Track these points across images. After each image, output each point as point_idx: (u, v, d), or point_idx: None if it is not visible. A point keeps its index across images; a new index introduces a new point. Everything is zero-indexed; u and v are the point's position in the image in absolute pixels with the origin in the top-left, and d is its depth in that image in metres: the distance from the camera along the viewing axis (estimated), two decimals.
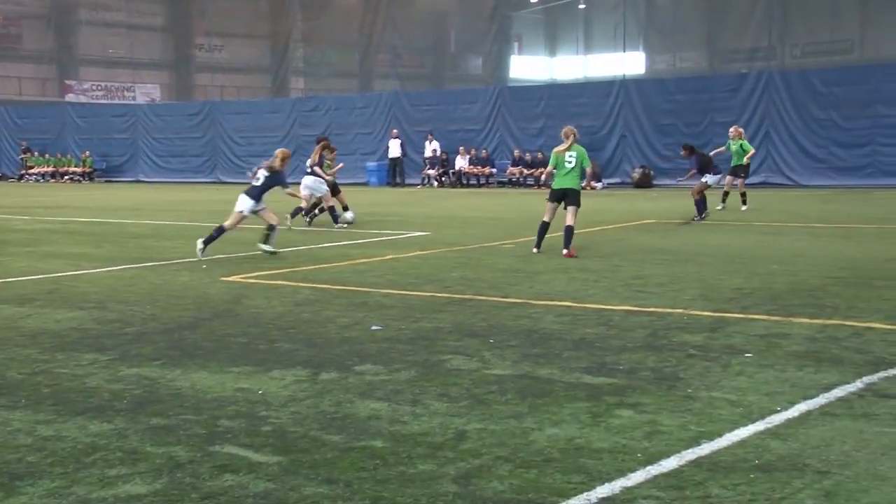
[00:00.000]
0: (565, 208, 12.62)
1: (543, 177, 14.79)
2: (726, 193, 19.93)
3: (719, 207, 19.46)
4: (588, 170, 13.19)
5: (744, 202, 19.63)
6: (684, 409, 5.41)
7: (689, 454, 4.67)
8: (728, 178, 19.67)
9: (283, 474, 4.50)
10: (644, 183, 29.59)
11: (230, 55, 51.65)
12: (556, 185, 12.80)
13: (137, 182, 40.78)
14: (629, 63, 37.96)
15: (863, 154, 27.24)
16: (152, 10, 53.42)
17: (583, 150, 12.97)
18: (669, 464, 4.54)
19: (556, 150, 13.01)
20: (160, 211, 22.49)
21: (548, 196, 13.06)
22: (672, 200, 23.43)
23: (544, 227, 12.80)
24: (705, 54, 42.76)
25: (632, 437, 4.95)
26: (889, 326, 7.56)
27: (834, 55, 33.24)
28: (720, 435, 4.95)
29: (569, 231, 12.43)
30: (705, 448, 4.75)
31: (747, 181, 20.38)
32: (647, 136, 30.66)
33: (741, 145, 19.95)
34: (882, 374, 6.10)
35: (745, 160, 19.84)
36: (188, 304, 9.13)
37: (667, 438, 4.91)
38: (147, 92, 52.47)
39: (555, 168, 12.88)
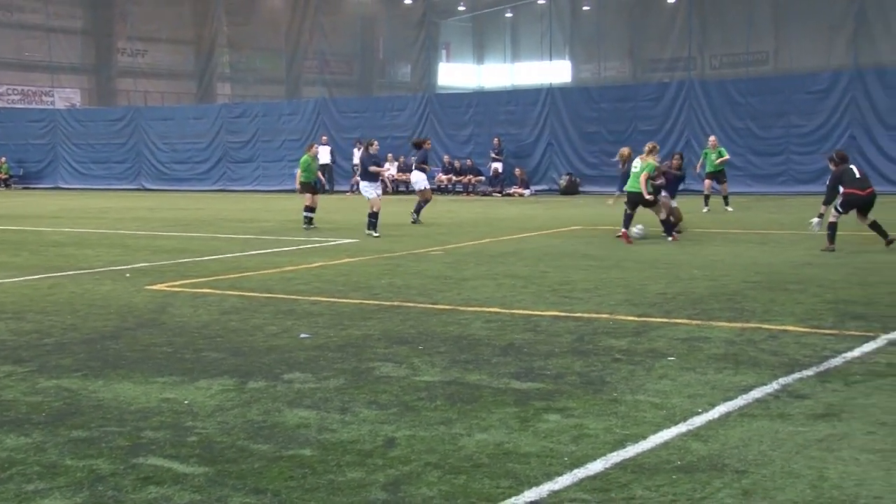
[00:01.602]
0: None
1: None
2: (707, 196, 21.80)
3: (704, 210, 21.02)
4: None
5: (727, 203, 21.70)
6: (610, 413, 5.51)
7: (615, 457, 4.76)
8: (707, 182, 21.96)
9: (209, 485, 4.45)
10: (571, 190, 29.97)
11: (154, 60, 50.73)
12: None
13: (57, 189, 39.78)
14: (555, 71, 38.43)
15: (778, 162, 28.03)
16: (71, 12, 52.16)
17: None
18: (595, 467, 4.63)
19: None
20: (81, 218, 21.99)
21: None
22: (598, 207, 23.79)
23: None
24: (629, 64, 43.52)
25: (559, 441, 5.02)
26: (802, 329, 7.81)
27: (750, 66, 34.11)
28: (644, 437, 5.05)
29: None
30: (630, 450, 4.85)
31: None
32: (573, 143, 31.08)
33: (720, 152, 22.02)
34: (796, 375, 6.30)
35: (720, 162, 21.85)
36: (111, 314, 8.96)
37: (593, 442, 5.00)
38: (66, 97, 51.21)
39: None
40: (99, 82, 54.55)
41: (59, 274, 11.87)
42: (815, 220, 13.44)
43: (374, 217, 16.29)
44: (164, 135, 38.95)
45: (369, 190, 16.86)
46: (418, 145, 20.55)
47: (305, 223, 18.09)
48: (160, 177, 38.70)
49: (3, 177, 40.65)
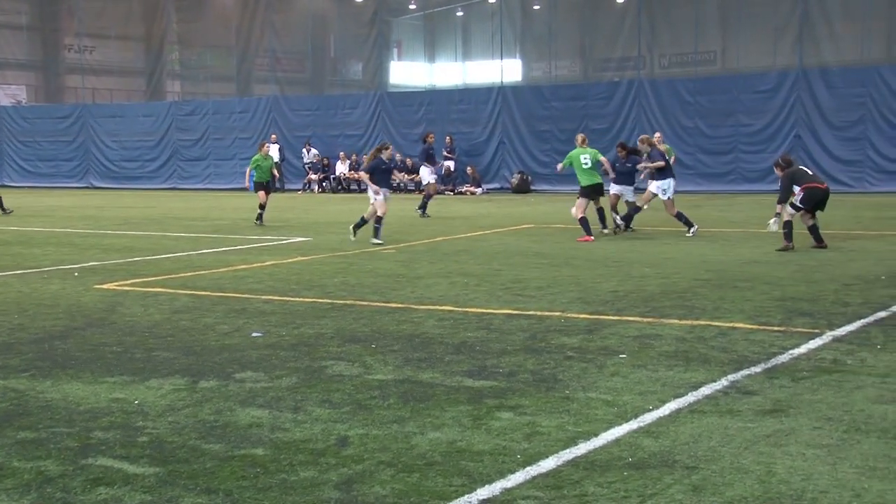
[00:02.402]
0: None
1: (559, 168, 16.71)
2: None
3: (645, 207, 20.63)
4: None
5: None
6: (562, 410, 5.56)
7: (567, 454, 4.81)
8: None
9: (160, 486, 4.41)
10: (523, 188, 30.12)
11: (102, 57, 49.92)
12: (584, 182, 15.45)
13: (3, 187, 38.98)
14: (506, 70, 38.56)
15: (727, 161, 28.44)
16: (16, 7, 51.14)
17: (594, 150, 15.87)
18: (548, 464, 4.67)
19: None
20: (28, 217, 21.58)
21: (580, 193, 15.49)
22: (550, 205, 23.95)
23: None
24: (579, 63, 43.81)
25: (512, 438, 5.06)
26: (751, 326, 7.94)
27: (698, 66, 34.56)
28: (596, 434, 5.11)
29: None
30: (582, 448, 4.90)
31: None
32: (525, 142, 31.24)
33: (667, 150, 21.43)
34: (745, 371, 6.41)
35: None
36: (59, 313, 8.82)
37: (545, 439, 5.04)
38: (12, 93, 50.20)
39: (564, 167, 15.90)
40: (46, 79, 53.59)
41: (5, 273, 11.65)
42: (773, 220, 13.61)
43: (379, 223, 15.01)
44: (113, 132, 38.41)
45: (378, 195, 15.13)
46: (423, 140, 21.20)
47: (257, 220, 18.36)
48: (109, 175, 38.13)
49: None
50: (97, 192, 35.68)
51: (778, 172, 13.85)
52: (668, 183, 15.88)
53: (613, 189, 16.81)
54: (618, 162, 16.86)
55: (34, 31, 53.04)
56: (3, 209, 22.41)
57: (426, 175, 21.12)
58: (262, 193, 18.42)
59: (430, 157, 22.13)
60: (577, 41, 41.93)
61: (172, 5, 46.11)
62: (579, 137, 16.43)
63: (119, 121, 38.52)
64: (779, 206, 13.55)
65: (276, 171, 19.38)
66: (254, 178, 18.74)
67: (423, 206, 20.52)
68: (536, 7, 41.85)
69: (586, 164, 15.55)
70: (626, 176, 16.69)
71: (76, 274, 11.54)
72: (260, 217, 18.39)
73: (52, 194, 33.04)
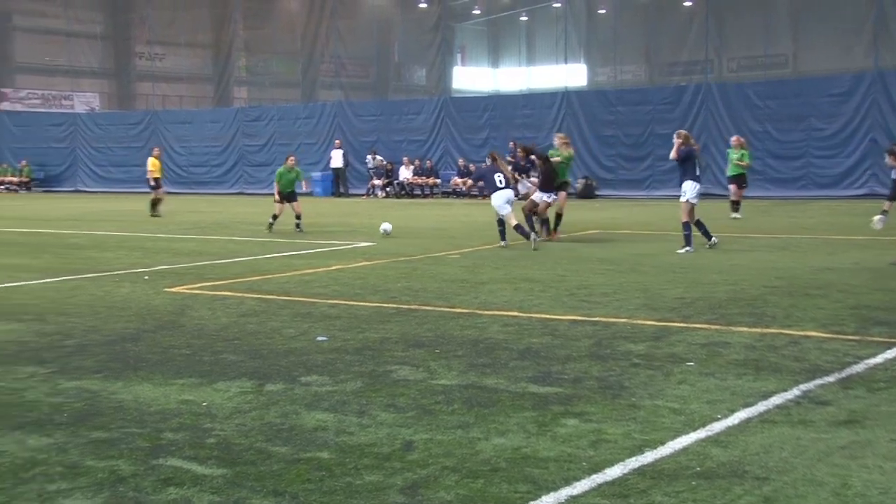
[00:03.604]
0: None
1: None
2: (735, 202, 20.66)
3: (734, 216, 20.08)
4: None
5: (735, 209, 20.43)
6: (628, 418, 5.49)
7: (633, 462, 4.74)
8: (732, 187, 20.90)
9: (228, 487, 4.46)
10: (587, 194, 29.92)
11: (172, 64, 50.97)
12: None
13: (77, 192, 40.05)
14: (571, 75, 38.37)
15: (797, 166, 27.88)
16: (91, 17, 52.51)
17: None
18: (614, 472, 4.60)
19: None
20: (101, 221, 22.11)
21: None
22: (615, 211, 23.75)
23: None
24: (645, 67, 43.42)
25: (577, 445, 5.01)
26: (824, 335, 7.75)
27: (769, 69, 33.97)
28: (663, 443, 5.02)
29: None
30: (649, 456, 4.83)
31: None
32: (589, 147, 31.03)
33: (742, 154, 20.81)
34: (818, 381, 6.25)
35: (743, 167, 20.74)
36: (131, 316, 9.00)
37: (611, 447, 4.98)
38: (86, 101, 51.54)
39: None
40: (118, 86, 54.89)
41: (79, 276, 11.94)
42: (878, 217, 12.64)
43: (502, 225, 15.28)
44: (181, 138, 39.15)
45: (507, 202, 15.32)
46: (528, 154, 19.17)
47: (269, 227, 18.40)
48: (178, 180, 38.85)
49: (25, 180, 40.94)
50: (167, 196, 36.37)
51: (891, 162, 12.53)
52: (690, 185, 14.10)
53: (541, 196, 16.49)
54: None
55: (108, 41, 54.38)
56: (154, 212, 23.12)
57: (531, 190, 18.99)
58: (278, 205, 18.47)
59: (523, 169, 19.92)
60: (642, 45, 41.56)
61: (240, 13, 46.86)
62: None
63: (187, 127, 39.26)
64: (887, 204, 12.59)
65: (303, 183, 19.43)
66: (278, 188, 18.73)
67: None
68: (602, 11, 41.59)
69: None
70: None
71: (146, 277, 11.77)
72: (271, 225, 18.40)
73: (124, 199, 33.78)
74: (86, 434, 5.28)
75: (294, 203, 18.57)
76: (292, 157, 19.59)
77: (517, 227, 14.89)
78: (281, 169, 19.09)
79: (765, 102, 28.35)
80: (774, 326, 8.13)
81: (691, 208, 14.09)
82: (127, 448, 5.03)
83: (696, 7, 35.13)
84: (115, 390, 6.23)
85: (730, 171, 21.24)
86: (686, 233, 14.01)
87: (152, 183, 24.57)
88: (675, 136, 14.68)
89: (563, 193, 16.98)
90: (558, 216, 16.83)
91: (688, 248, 13.82)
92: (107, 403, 5.91)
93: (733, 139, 21.72)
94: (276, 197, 18.65)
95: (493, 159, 15.94)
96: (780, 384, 6.18)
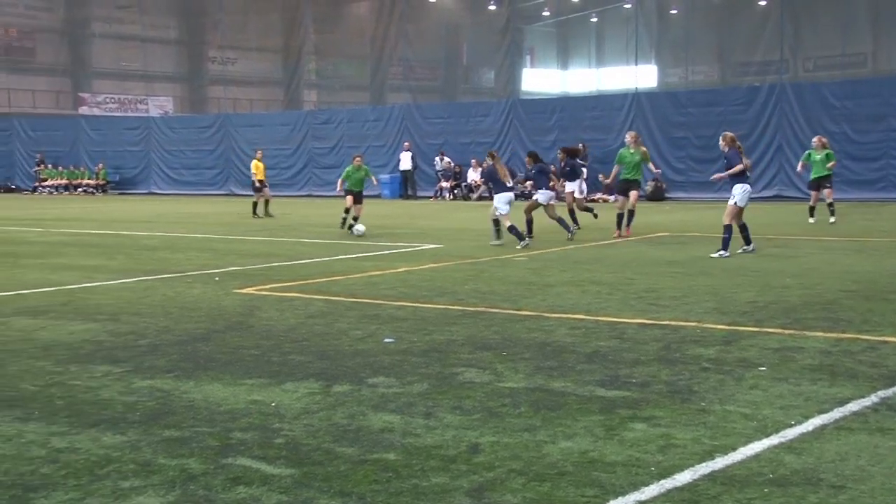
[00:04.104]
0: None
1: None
2: (812, 207, 19.57)
3: (811, 221, 19.26)
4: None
5: (832, 213, 19.29)
6: (698, 423, 5.39)
7: (704, 468, 4.65)
8: (813, 193, 19.66)
9: (296, 487, 4.50)
10: (657, 196, 29.56)
11: (243, 68, 51.88)
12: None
13: (150, 194, 40.96)
14: (641, 76, 37.95)
15: (876, 168, 27.15)
16: (166, 23, 53.73)
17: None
18: (683, 478, 4.52)
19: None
20: (173, 223, 22.58)
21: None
22: (685, 213, 23.42)
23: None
24: (717, 67, 42.77)
25: (645, 450, 4.93)
26: None
27: (846, 69, 33.16)
28: (734, 449, 4.92)
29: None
30: (719, 462, 4.73)
31: (760, 194, 20.40)
32: (659, 148, 30.63)
33: (827, 155, 19.60)
34: None
35: (827, 168, 19.48)
36: (201, 317, 9.16)
37: (681, 452, 4.89)
38: (160, 104, 52.73)
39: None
40: (191, 90, 56.06)
41: (152, 277, 12.19)
42: None
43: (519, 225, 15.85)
44: (252, 141, 39.71)
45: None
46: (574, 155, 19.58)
47: (342, 225, 18.99)
48: (248, 182, 39.29)
49: (101, 183, 42.03)
50: (237, 199, 36.98)
51: None
52: (740, 188, 13.64)
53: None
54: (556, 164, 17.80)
55: (181, 45, 55.56)
56: (263, 214, 23.74)
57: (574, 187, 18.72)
58: (349, 198, 18.84)
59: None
60: (715, 45, 40.96)
61: (310, 17, 47.45)
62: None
63: (258, 130, 39.82)
64: None
65: (373, 179, 19.71)
66: (346, 187, 19.02)
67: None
68: (673, 11, 41.10)
69: None
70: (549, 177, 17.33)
71: (217, 278, 11.96)
72: (343, 221, 18.94)
73: (195, 201, 34.45)
74: (158, 432, 5.37)
75: (358, 205, 18.81)
76: (359, 157, 19.82)
77: (511, 229, 15.36)
78: (349, 168, 19.30)
79: (842, 103, 27.66)
80: (851, 331, 7.91)
81: (738, 211, 13.68)
82: (197, 447, 5.11)
83: (771, 6, 34.47)
84: (187, 390, 6.33)
85: (814, 174, 19.80)
86: (725, 236, 13.53)
87: (256, 185, 24.90)
88: (721, 139, 14.22)
89: (634, 192, 17.23)
90: (630, 213, 17.14)
91: (722, 253, 13.38)
92: (178, 402, 6.02)
93: (815, 140, 20.51)
94: (340, 189, 19.11)
95: (493, 158, 16.58)
96: (857, 390, 6.01)
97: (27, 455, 5.01)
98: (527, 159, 18.28)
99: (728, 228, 13.57)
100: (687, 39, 37.99)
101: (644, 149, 17.96)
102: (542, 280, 11.40)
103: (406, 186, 34.42)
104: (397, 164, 34.80)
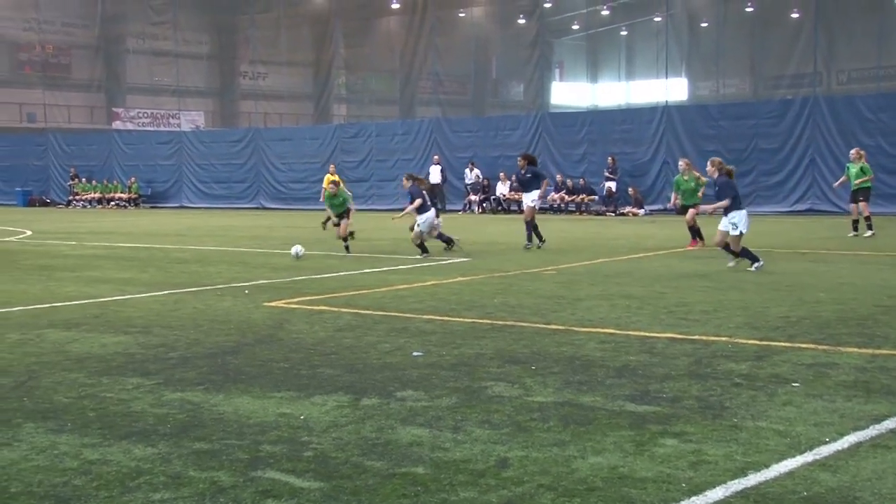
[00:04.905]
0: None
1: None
2: (856, 221, 19.48)
3: (851, 234, 19.13)
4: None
5: (868, 227, 19.14)
6: (730, 439, 5.33)
7: (736, 485, 4.59)
8: (852, 206, 19.63)
9: (325, 500, 4.49)
10: (687, 210, 29.34)
11: (273, 82, 52.33)
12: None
13: (182, 208, 41.31)
14: (672, 89, 37.81)
15: None
16: (198, 38, 54.36)
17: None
18: (715, 494, 4.47)
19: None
20: (204, 236, 22.75)
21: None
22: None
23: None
24: (749, 80, 42.51)
25: (676, 466, 4.88)
26: None
27: (881, 81, 32.80)
28: (767, 466, 4.86)
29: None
30: (752, 479, 4.67)
31: (793, 207, 20.22)
32: (690, 162, 30.47)
33: (861, 168, 19.45)
34: None
35: (859, 182, 19.27)
36: (231, 329, 9.20)
37: (712, 468, 4.84)
38: (192, 119, 53.28)
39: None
40: (222, 104, 56.61)
41: (183, 290, 12.28)
42: None
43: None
44: (282, 155, 40.00)
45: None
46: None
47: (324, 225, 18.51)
48: (278, 196, 39.69)
49: (134, 196, 42.47)
50: (267, 212, 37.22)
51: None
52: (740, 215, 13.35)
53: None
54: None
55: (213, 60, 56.10)
56: (327, 224, 23.22)
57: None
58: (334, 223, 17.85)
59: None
60: (746, 58, 40.74)
61: (340, 32, 47.77)
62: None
63: (287, 144, 40.07)
64: None
65: (350, 206, 18.52)
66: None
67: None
68: (704, 24, 40.94)
69: None
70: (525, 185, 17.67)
71: (246, 291, 12.02)
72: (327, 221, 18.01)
73: (226, 215, 34.69)
74: (188, 445, 5.40)
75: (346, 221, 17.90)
76: (332, 176, 19.01)
77: (417, 242, 16.21)
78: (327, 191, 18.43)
79: (877, 115, 27.37)
80: (886, 347, 7.79)
81: (727, 237, 13.51)
82: (227, 459, 5.12)
83: (804, 18, 34.22)
84: (217, 402, 6.36)
85: (852, 186, 19.59)
86: (741, 256, 13.48)
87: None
88: (709, 164, 14.05)
89: (691, 211, 17.68)
90: (691, 228, 17.54)
91: (757, 265, 13.25)
92: (208, 415, 6.04)
93: (852, 152, 20.23)
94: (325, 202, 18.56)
95: (414, 179, 17.24)
96: (894, 407, 5.91)
97: (60, 466, 5.05)
98: (520, 161, 18.04)
99: (744, 251, 13.43)
100: (718, 52, 37.80)
101: (697, 174, 18.02)
102: (572, 294, 11.36)
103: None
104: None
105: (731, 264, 13.79)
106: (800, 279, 12.46)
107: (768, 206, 28.55)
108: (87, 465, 5.05)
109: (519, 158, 18.46)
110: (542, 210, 32.38)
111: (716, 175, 13.66)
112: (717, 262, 14.83)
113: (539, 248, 17.06)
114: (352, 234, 17.73)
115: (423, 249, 16.37)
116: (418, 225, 16.38)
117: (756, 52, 39.61)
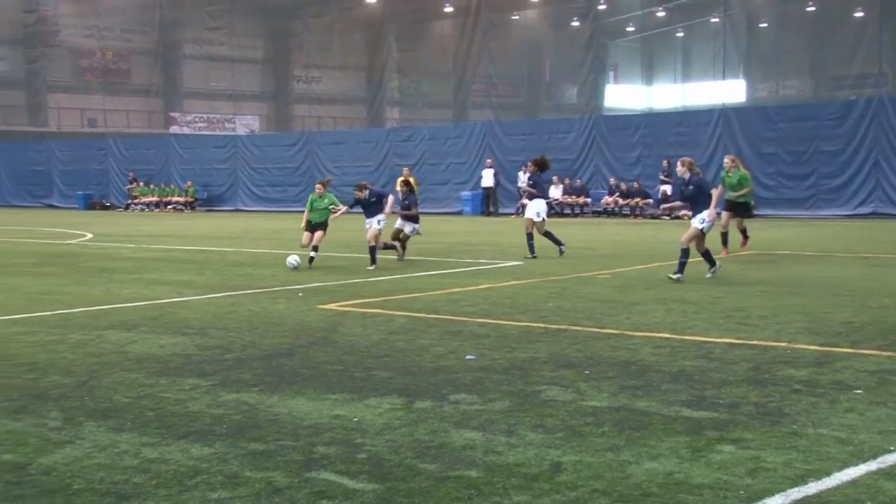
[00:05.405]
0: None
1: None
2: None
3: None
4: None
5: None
6: (789, 446, 5.23)
7: (796, 493, 4.50)
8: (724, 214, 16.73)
9: (378, 502, 4.50)
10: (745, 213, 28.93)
11: (327, 86, 52.77)
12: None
13: (237, 211, 41.81)
14: (729, 91, 37.30)
15: None
16: (253, 43, 55.06)
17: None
18: (774, 502, 4.39)
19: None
20: (259, 239, 23.00)
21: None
22: (774, 231, 22.87)
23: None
24: (809, 81, 41.79)
25: (734, 473, 4.80)
26: None
27: None
28: (829, 474, 4.76)
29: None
30: (812, 487, 4.58)
31: (856, 211, 19.68)
32: (748, 165, 30.00)
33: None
34: None
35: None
36: (286, 332, 9.28)
37: (771, 476, 4.75)
38: (247, 123, 53.96)
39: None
40: (276, 109, 57.26)
41: (238, 293, 12.42)
42: None
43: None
44: (335, 158, 40.23)
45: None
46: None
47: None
48: None
49: (190, 200, 43.11)
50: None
51: None
52: (707, 214, 12.73)
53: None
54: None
55: (267, 65, 56.78)
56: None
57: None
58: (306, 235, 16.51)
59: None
60: (807, 59, 40.06)
61: (393, 35, 48.02)
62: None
63: (341, 147, 40.31)
64: None
65: (336, 211, 16.84)
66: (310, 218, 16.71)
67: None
68: (763, 25, 40.35)
69: None
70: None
71: (301, 294, 12.12)
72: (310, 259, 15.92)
73: (280, 218, 35.02)
74: (244, 445, 5.45)
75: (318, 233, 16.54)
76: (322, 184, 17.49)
77: (380, 246, 16.07)
78: (312, 195, 17.19)
79: None
80: None
81: (701, 236, 12.80)
82: (282, 460, 5.16)
83: (868, 18, 33.53)
84: (272, 404, 6.41)
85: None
86: (683, 260, 12.62)
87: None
88: (679, 164, 13.10)
89: (726, 214, 16.73)
90: (724, 235, 16.73)
91: (679, 276, 12.55)
92: (263, 416, 6.10)
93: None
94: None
95: (363, 188, 16.82)
96: None
97: (120, 464, 5.13)
98: (531, 167, 17.42)
99: (686, 252, 12.62)
100: (777, 53, 37.21)
101: (743, 170, 16.95)
102: (626, 298, 11.25)
103: (488, 203, 34.44)
104: (479, 181, 34.85)
105: (709, 275, 12.97)
106: (862, 284, 12.20)
107: (829, 210, 28.02)
108: (147, 464, 5.13)
109: (530, 164, 17.98)
110: (596, 213, 32.23)
111: (687, 175, 12.94)
112: (773, 267, 14.61)
113: (561, 253, 16.58)
114: (315, 248, 16.13)
115: (374, 260, 15.48)
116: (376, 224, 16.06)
117: (817, 52, 38.89)
